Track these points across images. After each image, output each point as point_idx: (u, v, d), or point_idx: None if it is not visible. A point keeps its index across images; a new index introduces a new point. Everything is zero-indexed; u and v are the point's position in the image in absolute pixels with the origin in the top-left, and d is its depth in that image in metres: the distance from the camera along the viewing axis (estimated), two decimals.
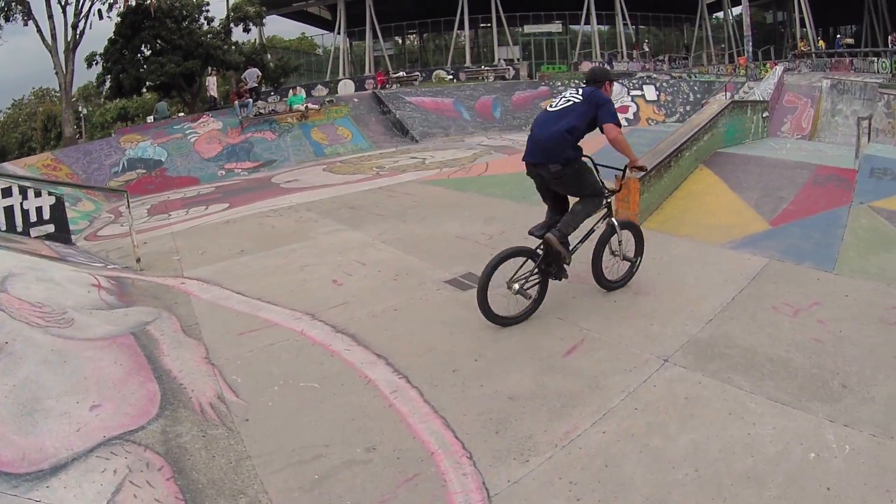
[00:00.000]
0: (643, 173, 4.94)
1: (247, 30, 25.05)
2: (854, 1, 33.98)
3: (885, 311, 3.60)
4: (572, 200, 3.56)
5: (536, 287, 3.54)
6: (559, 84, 19.97)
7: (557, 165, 3.27)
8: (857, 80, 16.45)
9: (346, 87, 25.66)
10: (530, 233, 3.47)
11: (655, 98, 19.03)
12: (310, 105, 16.90)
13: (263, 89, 21.95)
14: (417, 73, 28.53)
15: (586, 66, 29.84)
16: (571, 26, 36.47)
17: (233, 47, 23.84)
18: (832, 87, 16.83)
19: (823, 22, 35.17)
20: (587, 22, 34.56)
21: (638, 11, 37.60)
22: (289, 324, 3.89)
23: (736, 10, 40.80)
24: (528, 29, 34.76)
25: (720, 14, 41.64)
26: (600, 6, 34.63)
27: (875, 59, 21.77)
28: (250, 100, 16.06)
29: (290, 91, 20.75)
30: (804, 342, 3.27)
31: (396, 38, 38.30)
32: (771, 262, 4.48)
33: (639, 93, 19.06)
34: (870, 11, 31.62)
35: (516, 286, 3.40)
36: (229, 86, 26.71)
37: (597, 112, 3.30)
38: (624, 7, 34.55)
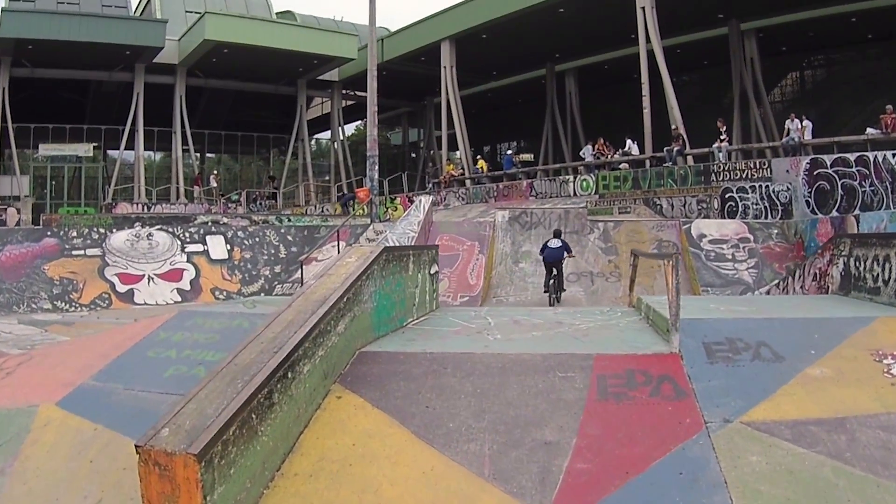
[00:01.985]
0: None
1: None
2: (527, 109, 42.65)
3: None
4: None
5: (554, 298, 16.63)
6: (74, 235, 19.88)
7: (560, 258, 16.87)
8: (555, 209, 19.27)
9: None
10: (547, 286, 16.56)
11: (226, 255, 19.80)
12: None
13: None
14: None
15: (124, 208, 34.12)
16: (111, 151, 40.37)
17: None
18: (512, 220, 19.06)
19: (480, 139, 43.01)
20: (132, 144, 37.56)
21: (206, 129, 42.20)
22: None
23: (349, 129, 47.10)
24: (45, 150, 37.96)
25: (326, 134, 47.81)
26: (153, 121, 37.66)
27: (572, 177, 26.50)
28: None
29: None
30: None
31: None
32: None
33: (199, 248, 19.67)
34: (553, 118, 39.24)
35: (550, 297, 16.69)
36: None
37: (566, 249, 16.89)
38: (187, 125, 37.92)
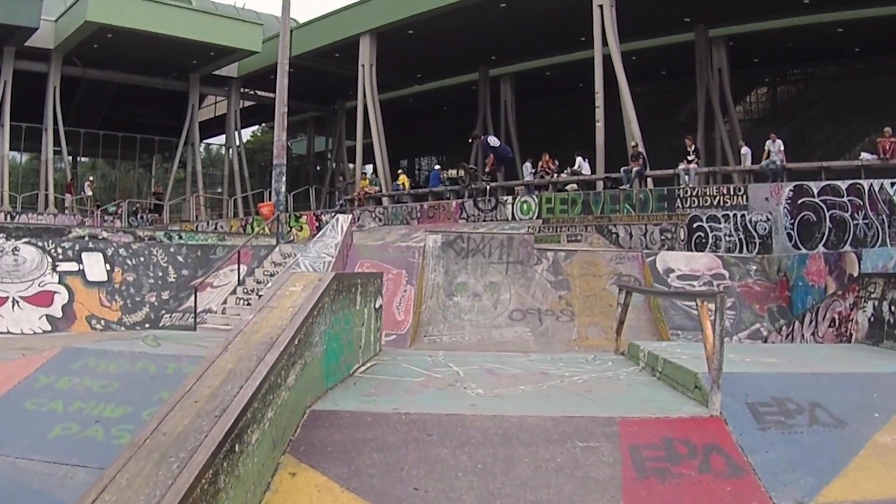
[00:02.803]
0: None
1: None
2: (453, 119, 42.37)
3: None
4: None
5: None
6: None
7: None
8: (496, 234, 18.86)
9: None
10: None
11: (105, 277, 19.52)
12: None
13: None
14: None
15: None
16: None
17: None
18: (446, 246, 18.55)
19: (396, 152, 42.55)
20: None
21: (82, 128, 41.98)
22: None
23: (246, 134, 46.43)
24: None
25: (218, 140, 47.08)
26: (20, 115, 37.39)
27: (510, 198, 26.26)
28: None
29: None
30: None
31: None
32: None
33: (73, 267, 19.28)
34: (485, 129, 38.16)
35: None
36: None
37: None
38: (60, 122, 37.51)
